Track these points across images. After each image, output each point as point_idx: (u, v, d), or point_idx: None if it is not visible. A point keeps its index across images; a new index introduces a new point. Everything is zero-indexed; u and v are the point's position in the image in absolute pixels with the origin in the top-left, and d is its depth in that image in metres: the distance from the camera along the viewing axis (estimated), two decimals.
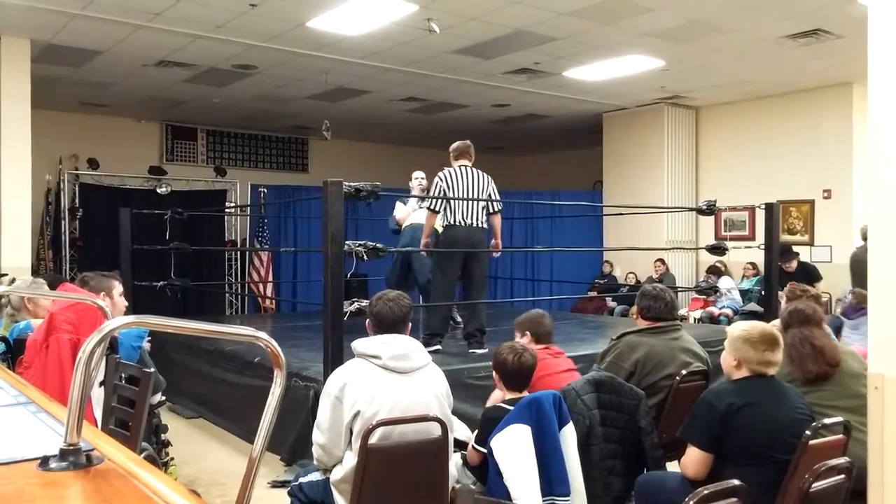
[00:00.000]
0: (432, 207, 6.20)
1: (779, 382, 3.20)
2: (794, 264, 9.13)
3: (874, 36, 3.00)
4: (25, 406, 1.78)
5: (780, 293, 6.72)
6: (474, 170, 6.19)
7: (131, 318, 1.35)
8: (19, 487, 1.17)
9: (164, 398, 4.22)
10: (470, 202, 6.06)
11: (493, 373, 3.50)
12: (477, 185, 6.12)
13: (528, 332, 4.03)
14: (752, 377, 3.12)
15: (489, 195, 6.19)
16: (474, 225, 6.10)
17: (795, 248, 9.60)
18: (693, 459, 3.06)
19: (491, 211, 6.26)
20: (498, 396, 3.54)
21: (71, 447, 1.23)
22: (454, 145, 6.35)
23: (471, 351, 6.09)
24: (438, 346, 5.96)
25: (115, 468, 1.25)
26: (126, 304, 4.01)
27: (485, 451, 3.18)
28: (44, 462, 1.23)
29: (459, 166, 6.19)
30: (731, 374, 3.20)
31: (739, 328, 3.25)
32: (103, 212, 10.88)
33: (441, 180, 6.09)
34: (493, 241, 6.47)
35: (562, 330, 6.57)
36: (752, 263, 10.32)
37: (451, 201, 6.04)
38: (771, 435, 2.97)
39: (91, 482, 1.18)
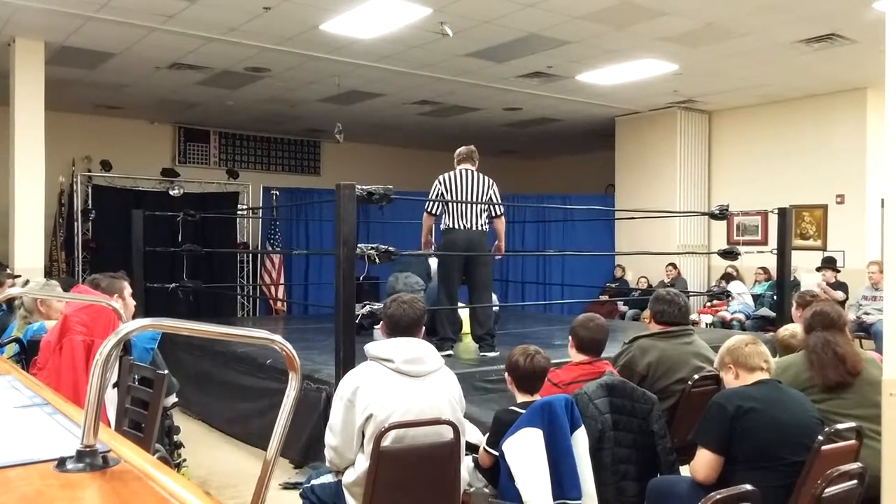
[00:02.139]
0: (429, 210, 6.20)
1: (784, 387, 3.22)
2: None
3: (892, 40, 2.98)
4: (41, 407, 1.78)
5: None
6: (475, 172, 6.18)
7: (148, 321, 1.34)
8: (37, 489, 1.17)
9: (177, 399, 4.22)
10: (469, 205, 6.05)
11: (506, 375, 3.49)
12: (476, 188, 6.10)
13: (570, 336, 3.85)
14: (757, 383, 3.15)
15: (489, 198, 6.16)
16: (473, 228, 6.08)
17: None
18: (703, 463, 3.05)
19: (493, 214, 6.24)
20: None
21: (87, 448, 1.23)
22: (458, 151, 6.34)
23: (482, 354, 6.09)
24: (451, 351, 5.95)
25: (132, 470, 1.25)
26: (134, 303, 4.03)
27: (496, 453, 3.18)
28: (60, 463, 1.23)
29: (460, 170, 6.18)
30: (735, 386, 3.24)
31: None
32: (116, 213, 10.94)
33: (439, 183, 6.10)
34: (496, 243, 6.44)
35: None
36: (763, 268, 10.27)
37: (449, 205, 6.05)
38: (780, 436, 2.97)
39: (108, 483, 1.18)
